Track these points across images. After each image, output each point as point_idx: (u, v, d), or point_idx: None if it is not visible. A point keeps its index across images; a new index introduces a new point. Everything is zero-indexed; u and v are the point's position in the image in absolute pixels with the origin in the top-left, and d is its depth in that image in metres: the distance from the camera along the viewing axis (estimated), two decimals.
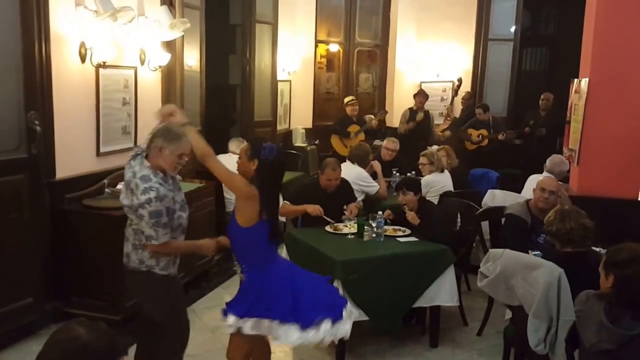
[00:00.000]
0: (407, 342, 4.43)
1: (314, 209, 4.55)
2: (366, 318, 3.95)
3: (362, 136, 8.26)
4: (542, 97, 8.41)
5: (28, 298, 4.19)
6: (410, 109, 8.45)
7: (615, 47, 4.90)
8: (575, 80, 5.44)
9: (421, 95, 8.44)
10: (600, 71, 4.97)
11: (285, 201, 4.79)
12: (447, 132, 8.70)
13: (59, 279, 4.39)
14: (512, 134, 8.23)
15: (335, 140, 8.36)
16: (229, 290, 5.20)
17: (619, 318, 2.64)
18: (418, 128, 8.27)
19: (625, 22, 4.85)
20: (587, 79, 5.03)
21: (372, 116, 8.63)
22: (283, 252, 4.60)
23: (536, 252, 3.69)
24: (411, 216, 4.45)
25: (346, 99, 8.74)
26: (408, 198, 4.54)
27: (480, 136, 8.21)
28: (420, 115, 8.29)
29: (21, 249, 4.12)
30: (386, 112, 8.64)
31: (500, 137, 8.09)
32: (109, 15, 4.40)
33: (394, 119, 8.84)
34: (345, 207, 4.69)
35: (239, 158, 3.12)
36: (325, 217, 4.56)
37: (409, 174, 5.83)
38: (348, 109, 8.45)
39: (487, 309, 4.53)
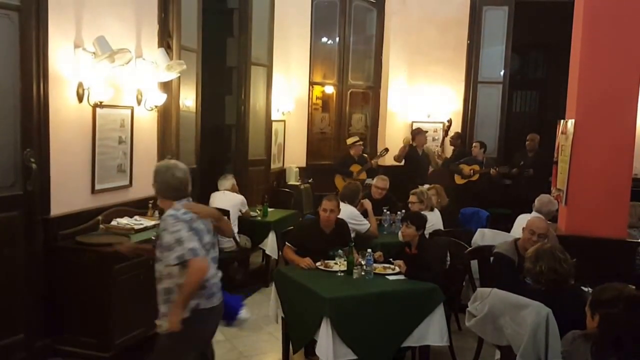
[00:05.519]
0: None
1: (306, 264, 4.55)
2: (355, 357, 3.93)
3: (364, 175, 8.34)
4: (527, 138, 8.54)
5: (19, 334, 4.17)
6: (411, 145, 8.58)
7: (599, 89, 4.99)
8: (562, 121, 5.53)
9: (422, 135, 8.62)
10: (585, 112, 5.04)
11: (288, 243, 4.82)
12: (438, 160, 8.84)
13: (50, 315, 4.38)
14: (505, 169, 8.33)
15: (338, 180, 8.44)
16: None
17: (606, 359, 2.63)
18: (415, 165, 8.41)
19: (609, 65, 4.95)
20: (573, 120, 5.11)
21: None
22: (272, 289, 4.62)
23: None
24: (398, 264, 4.50)
25: (350, 140, 8.85)
26: (409, 232, 4.59)
27: (472, 171, 8.30)
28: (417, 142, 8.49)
29: (14, 284, 4.13)
30: (387, 151, 8.74)
31: (492, 171, 8.18)
32: (106, 57, 4.52)
33: (386, 158, 8.95)
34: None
35: None
36: (319, 267, 4.56)
37: (399, 213, 5.87)
38: (352, 150, 8.58)
39: (477, 349, 4.50)
